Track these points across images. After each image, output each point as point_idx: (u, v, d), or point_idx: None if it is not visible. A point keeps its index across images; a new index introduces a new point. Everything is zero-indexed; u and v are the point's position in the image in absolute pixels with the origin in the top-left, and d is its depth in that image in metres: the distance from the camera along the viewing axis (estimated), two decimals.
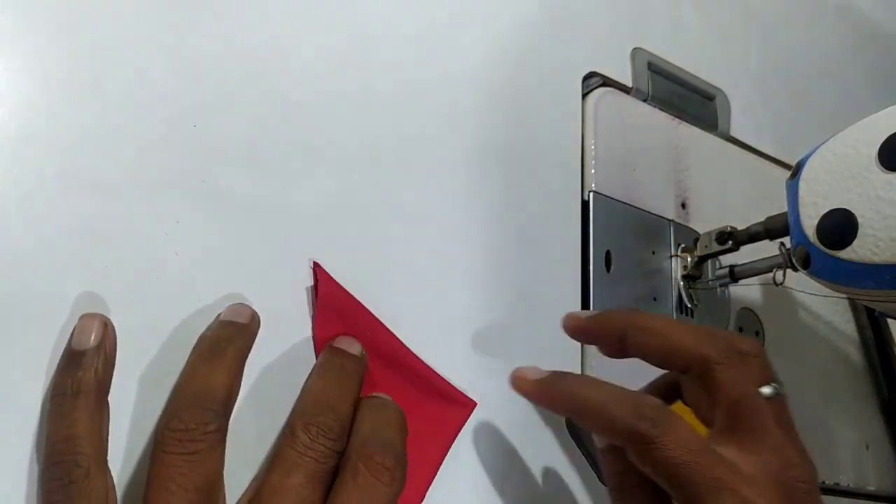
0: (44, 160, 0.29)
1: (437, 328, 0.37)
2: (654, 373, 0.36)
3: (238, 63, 0.35)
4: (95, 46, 0.31)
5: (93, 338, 0.27)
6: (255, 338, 0.30)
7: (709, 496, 0.29)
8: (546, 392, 0.33)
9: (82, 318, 0.28)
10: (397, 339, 0.35)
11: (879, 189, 0.34)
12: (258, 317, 0.31)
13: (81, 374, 0.26)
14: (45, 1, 0.31)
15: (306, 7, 0.37)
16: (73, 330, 0.27)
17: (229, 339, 0.29)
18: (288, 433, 0.29)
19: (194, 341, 0.30)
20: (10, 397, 0.27)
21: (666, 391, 0.36)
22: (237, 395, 0.29)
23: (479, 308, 0.39)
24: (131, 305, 0.29)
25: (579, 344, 0.42)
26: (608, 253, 0.44)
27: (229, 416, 0.28)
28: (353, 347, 0.33)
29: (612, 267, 0.44)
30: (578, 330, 0.37)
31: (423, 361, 0.35)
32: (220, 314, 0.30)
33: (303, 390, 0.32)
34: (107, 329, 0.27)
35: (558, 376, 0.34)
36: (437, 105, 0.41)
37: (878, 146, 0.34)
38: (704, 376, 0.33)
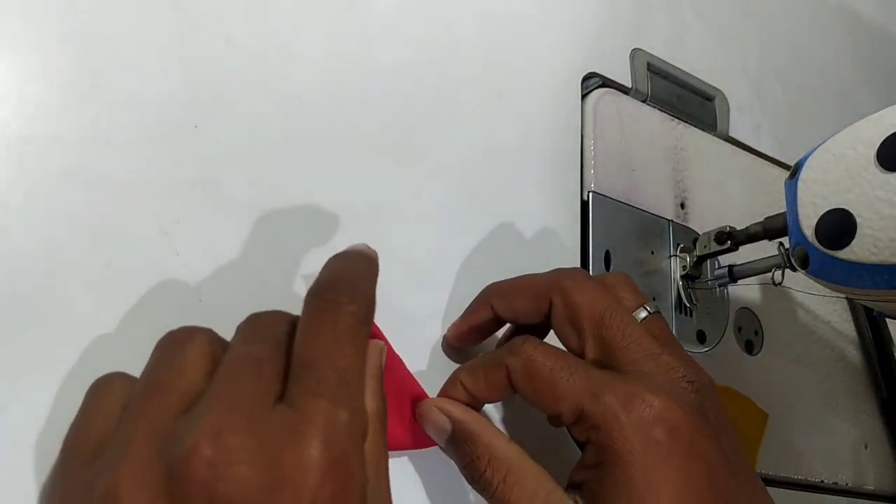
0: (45, 160, 0.29)
1: (436, 328, 0.37)
2: None
3: (238, 63, 0.35)
4: (96, 47, 0.31)
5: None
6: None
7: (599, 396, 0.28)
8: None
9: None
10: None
11: (878, 189, 0.34)
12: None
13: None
14: (46, 2, 0.31)
15: (306, 7, 0.38)
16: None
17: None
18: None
19: None
20: (10, 397, 0.27)
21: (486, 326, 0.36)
22: None
23: None
24: (131, 305, 0.30)
25: None
26: (607, 253, 0.44)
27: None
28: None
29: (612, 267, 0.44)
30: (459, 335, 0.36)
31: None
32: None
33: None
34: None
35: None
36: (437, 105, 0.41)
37: (877, 146, 0.34)
38: (566, 305, 0.31)
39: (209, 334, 0.26)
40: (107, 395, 0.25)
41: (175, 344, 0.25)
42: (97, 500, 0.22)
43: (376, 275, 0.28)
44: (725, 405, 0.32)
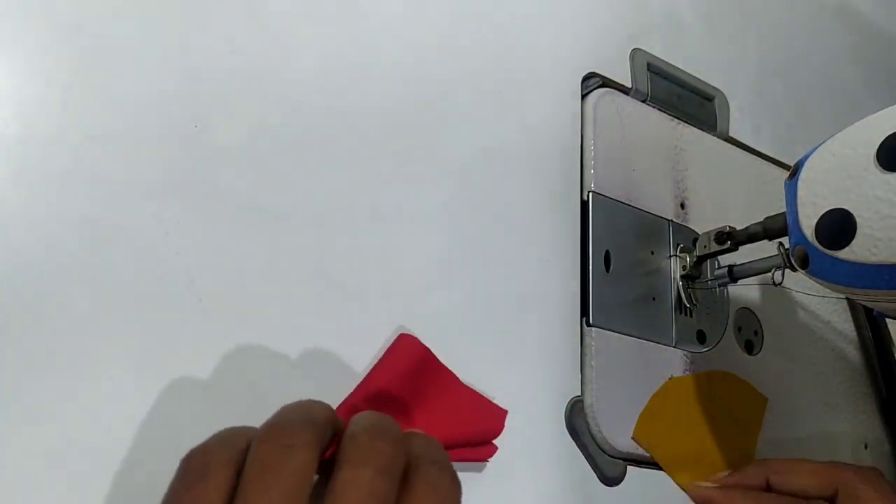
0: (45, 161, 0.29)
1: (436, 328, 0.37)
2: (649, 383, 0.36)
3: (238, 63, 0.35)
4: (97, 47, 0.31)
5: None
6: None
7: None
8: None
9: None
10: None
11: (878, 189, 0.34)
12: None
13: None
14: (46, 2, 0.31)
15: (306, 8, 0.38)
16: None
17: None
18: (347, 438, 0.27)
19: (195, 342, 0.30)
20: (10, 397, 0.27)
21: None
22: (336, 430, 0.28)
23: (477, 308, 0.39)
24: (131, 305, 0.30)
25: (578, 345, 0.42)
26: (607, 253, 0.44)
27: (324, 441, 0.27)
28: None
29: (612, 267, 0.44)
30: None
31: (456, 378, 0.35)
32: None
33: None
34: None
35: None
36: (436, 105, 0.41)
37: (877, 146, 0.34)
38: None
39: (306, 456, 0.25)
40: None
41: (270, 468, 0.24)
42: None
43: None
44: (726, 390, 0.33)
